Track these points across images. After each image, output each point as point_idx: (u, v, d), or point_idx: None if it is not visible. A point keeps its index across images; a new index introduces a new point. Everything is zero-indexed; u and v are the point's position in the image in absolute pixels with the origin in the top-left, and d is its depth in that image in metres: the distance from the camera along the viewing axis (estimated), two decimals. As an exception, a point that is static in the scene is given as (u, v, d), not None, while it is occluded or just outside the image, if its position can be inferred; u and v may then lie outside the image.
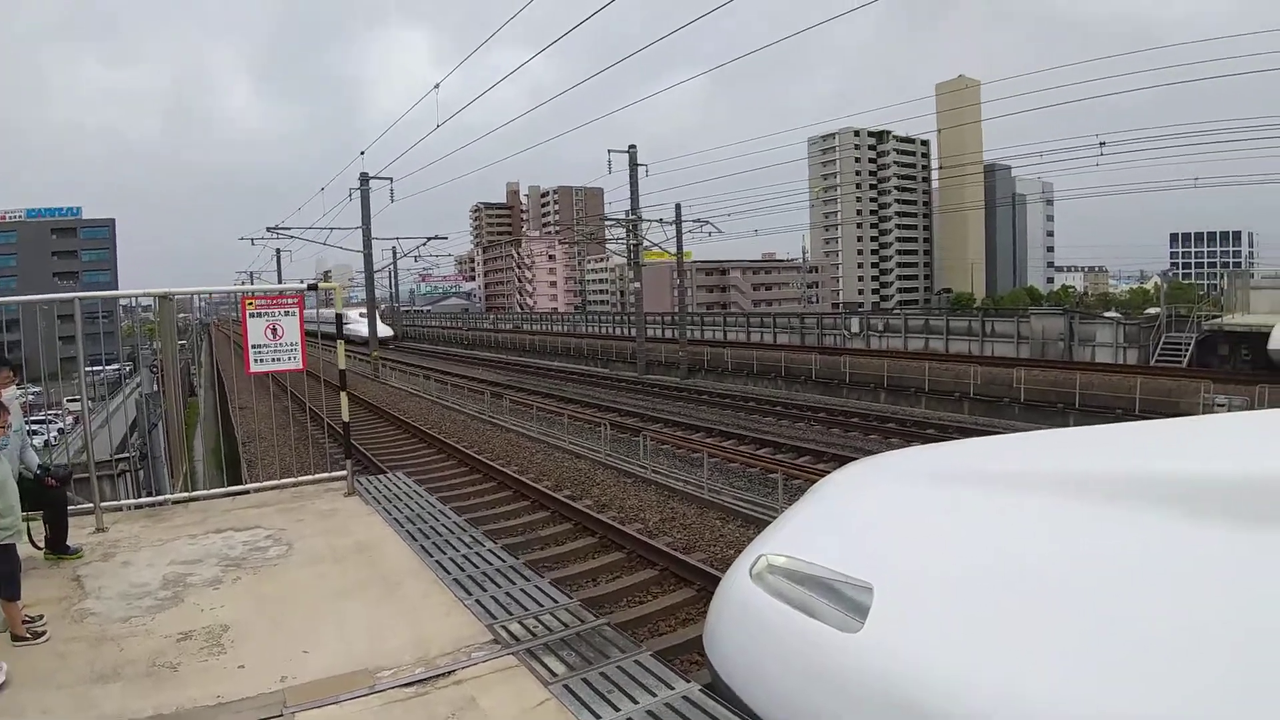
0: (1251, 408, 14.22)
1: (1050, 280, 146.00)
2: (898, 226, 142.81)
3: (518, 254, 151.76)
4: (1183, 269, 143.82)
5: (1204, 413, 15.87)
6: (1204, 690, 1.57)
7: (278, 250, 67.19)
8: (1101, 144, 41.35)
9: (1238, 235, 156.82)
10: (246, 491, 7.61)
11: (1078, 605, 1.83)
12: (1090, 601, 1.83)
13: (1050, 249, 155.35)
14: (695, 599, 8.73)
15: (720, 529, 11.41)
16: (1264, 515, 1.78)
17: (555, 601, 4.69)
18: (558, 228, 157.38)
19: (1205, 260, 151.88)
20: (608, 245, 59.01)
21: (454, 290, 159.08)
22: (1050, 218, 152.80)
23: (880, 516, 2.52)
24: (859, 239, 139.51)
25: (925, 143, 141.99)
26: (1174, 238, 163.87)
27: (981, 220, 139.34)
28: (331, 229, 42.19)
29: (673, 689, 3.43)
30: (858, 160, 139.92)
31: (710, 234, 47.63)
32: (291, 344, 7.16)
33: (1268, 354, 25.30)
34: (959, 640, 1.89)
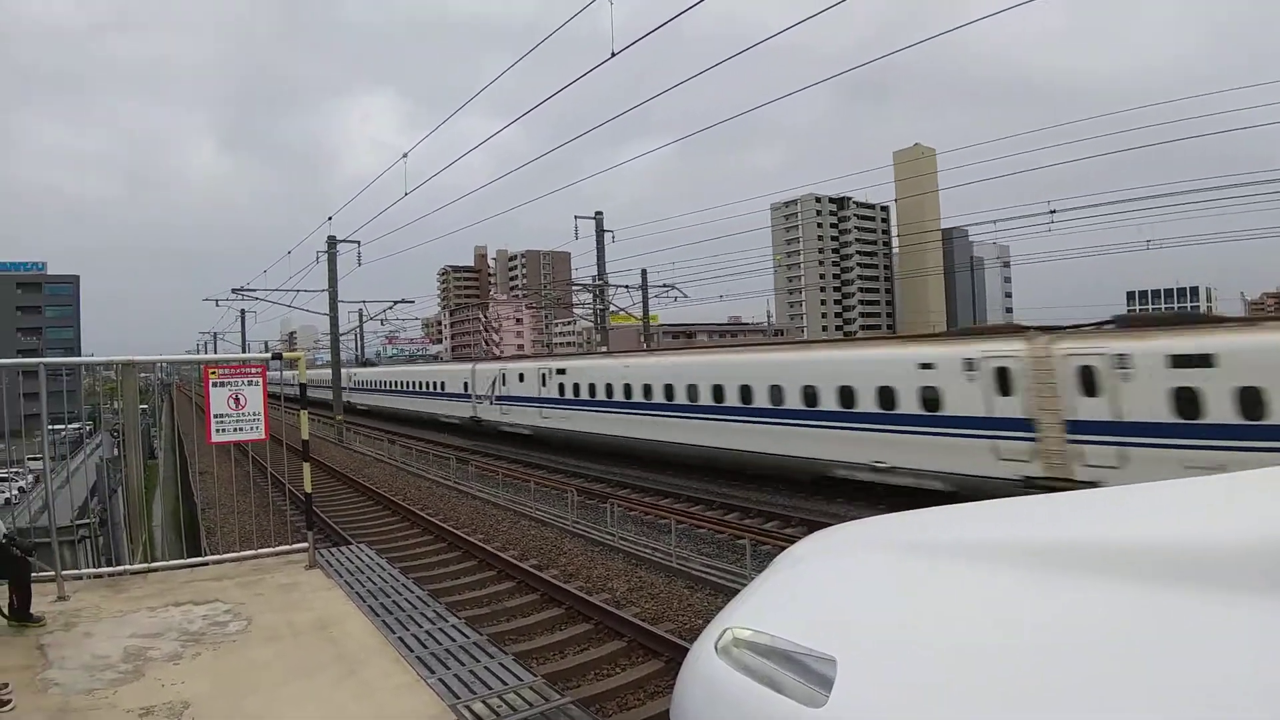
0: None
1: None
2: (860, 290, 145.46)
3: (484, 317, 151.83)
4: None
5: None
6: None
7: (242, 311, 66.68)
8: (1052, 211, 42.64)
9: (1195, 290, 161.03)
10: (205, 563, 7.50)
11: (1043, 680, 1.80)
12: (1059, 676, 1.80)
13: (1009, 310, 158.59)
14: (663, 670, 8.63)
15: (688, 598, 11.32)
16: (1264, 584, 1.76)
17: (519, 679, 4.64)
18: (525, 291, 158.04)
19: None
20: (575, 309, 59.37)
21: (421, 353, 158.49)
22: (1008, 279, 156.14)
23: (845, 586, 2.51)
24: (823, 302, 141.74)
25: (885, 208, 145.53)
26: (1130, 295, 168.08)
27: (941, 283, 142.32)
28: (297, 291, 42.32)
29: (638, 770, 3.38)
30: (819, 226, 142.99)
31: (676, 298, 48.29)
32: (254, 413, 7.11)
33: None
34: (924, 714, 1.86)
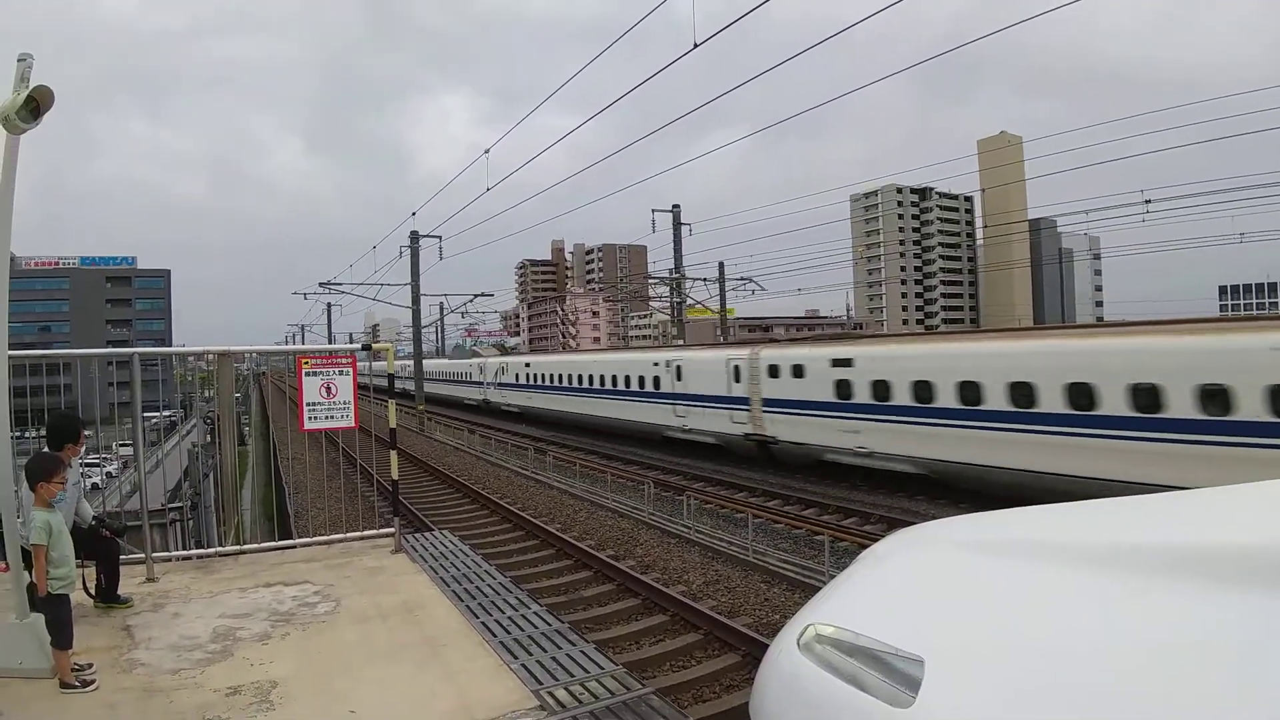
0: None
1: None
2: (943, 283, 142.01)
3: (562, 310, 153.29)
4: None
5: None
6: None
7: (329, 305, 68.65)
8: (1148, 201, 40.93)
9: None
10: (294, 546, 7.70)
11: (1131, 685, 1.77)
12: (1145, 683, 1.77)
13: (1099, 303, 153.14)
14: (740, 665, 8.58)
15: (765, 592, 11.24)
16: None
17: (601, 668, 4.66)
18: (602, 285, 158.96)
19: (1255, 312, 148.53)
20: (651, 302, 59.42)
21: (499, 342, 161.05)
22: (1098, 272, 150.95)
23: (931, 586, 2.47)
24: (903, 295, 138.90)
25: (969, 199, 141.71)
26: (1222, 290, 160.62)
27: (1028, 275, 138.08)
28: (382, 285, 43.29)
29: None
30: (900, 217, 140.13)
31: (754, 291, 47.93)
32: (345, 402, 7.30)
33: None
34: (1010, 715, 1.84)
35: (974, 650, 2.06)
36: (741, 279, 45.52)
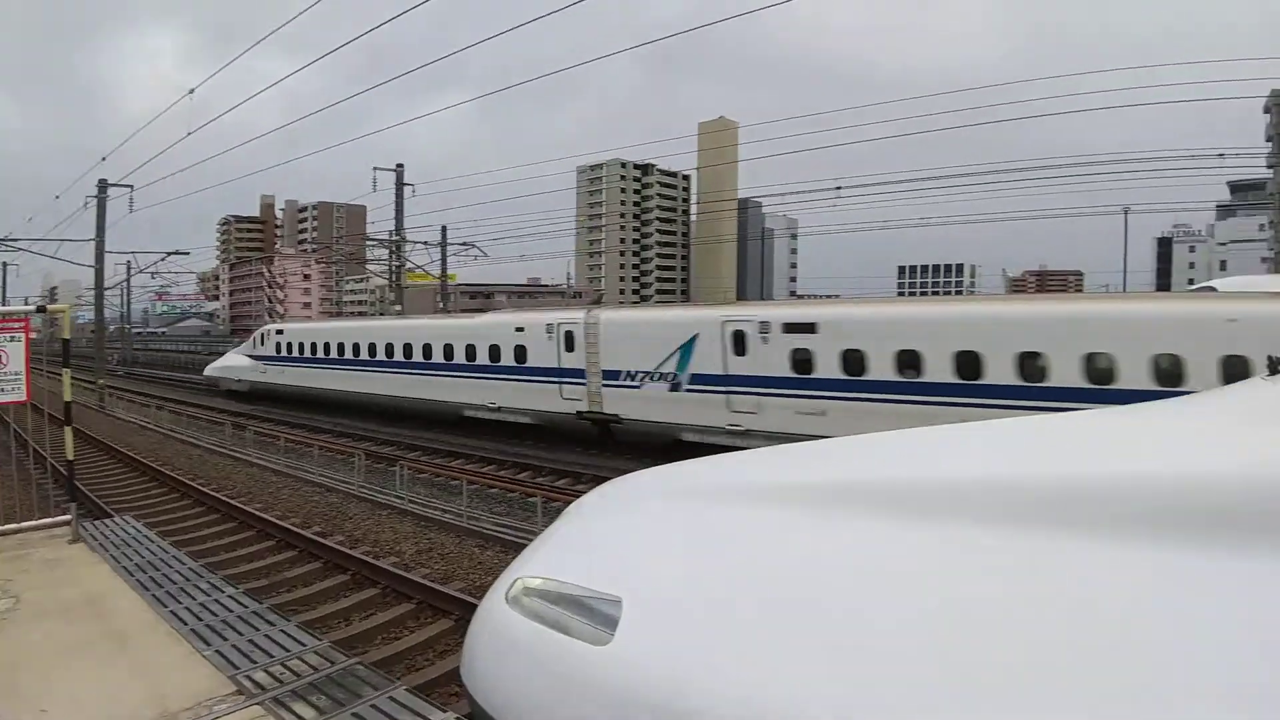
0: None
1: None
2: (659, 255, 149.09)
3: (269, 271, 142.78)
4: (909, 296, 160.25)
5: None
6: (934, 680, 1.73)
7: (3, 264, 59.34)
8: (838, 188, 45.63)
9: (960, 267, 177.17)
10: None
11: (814, 610, 1.98)
12: (825, 605, 1.99)
13: (793, 278, 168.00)
14: (453, 629, 8.78)
15: (479, 556, 11.52)
16: (990, 517, 2.03)
17: (303, 645, 4.71)
18: (316, 245, 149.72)
19: (930, 289, 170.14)
20: (369, 266, 57.17)
21: (194, 310, 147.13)
22: (794, 250, 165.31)
23: (630, 533, 2.62)
24: (621, 266, 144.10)
25: (687, 177, 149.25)
26: (901, 269, 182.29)
27: (734, 251, 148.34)
28: (62, 241, 38.01)
29: (428, 722, 3.59)
30: (623, 191, 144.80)
31: (476, 257, 47.53)
32: (15, 373, 6.57)
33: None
34: (703, 645, 2.00)
35: (666, 586, 2.25)
36: (464, 244, 45.08)
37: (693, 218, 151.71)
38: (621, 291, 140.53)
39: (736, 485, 2.71)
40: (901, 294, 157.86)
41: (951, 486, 2.28)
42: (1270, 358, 2.91)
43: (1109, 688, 1.61)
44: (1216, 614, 1.70)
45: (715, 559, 2.31)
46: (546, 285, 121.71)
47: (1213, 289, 22.99)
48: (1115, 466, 2.29)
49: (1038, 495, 2.10)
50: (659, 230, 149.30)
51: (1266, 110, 76.62)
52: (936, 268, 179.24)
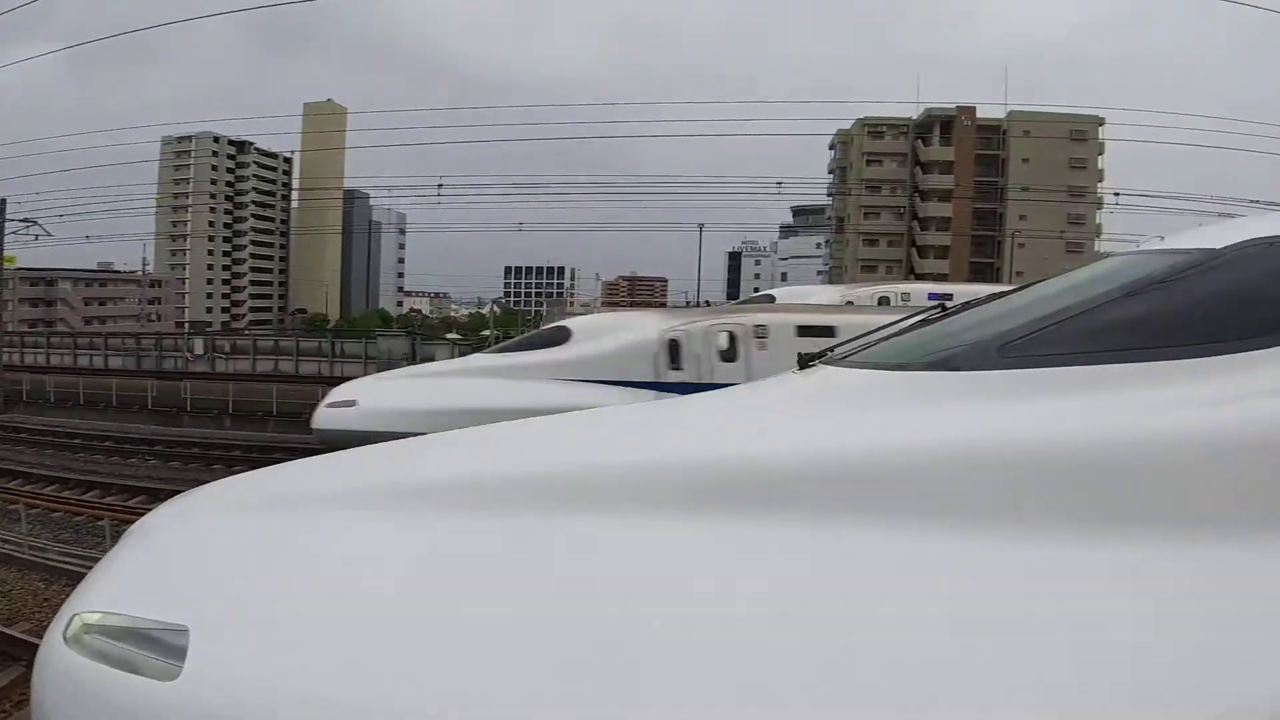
0: None
1: (400, 304, 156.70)
2: (253, 243, 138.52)
3: None
4: (514, 297, 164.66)
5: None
6: (531, 666, 1.79)
7: None
8: (439, 186, 47.07)
9: (561, 270, 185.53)
10: None
11: (395, 613, 1.99)
12: (406, 607, 2.01)
13: (401, 275, 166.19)
14: (27, 675, 8.35)
15: (44, 592, 10.89)
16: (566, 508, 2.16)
17: None
18: None
19: (534, 290, 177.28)
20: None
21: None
22: (402, 245, 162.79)
23: (197, 551, 2.44)
24: (210, 253, 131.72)
25: (289, 160, 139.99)
26: (507, 270, 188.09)
27: (339, 243, 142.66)
28: None
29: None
30: (215, 169, 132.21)
31: (38, 237, 41.66)
32: None
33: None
34: (279, 667, 1.90)
35: (238, 608, 2.10)
36: (23, 221, 39.42)
37: (294, 204, 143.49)
38: (210, 281, 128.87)
39: (314, 491, 2.67)
40: (506, 294, 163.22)
41: (527, 479, 2.41)
42: (800, 354, 3.08)
43: (678, 667, 1.74)
44: (759, 581, 1.93)
45: (290, 572, 2.24)
46: (120, 272, 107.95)
47: (772, 297, 27.24)
48: (675, 452, 2.48)
49: (596, 483, 2.28)
50: (255, 215, 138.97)
51: (831, 147, 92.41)
52: (540, 269, 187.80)
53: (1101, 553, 1.91)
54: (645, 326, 19.55)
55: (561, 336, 19.92)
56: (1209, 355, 2.27)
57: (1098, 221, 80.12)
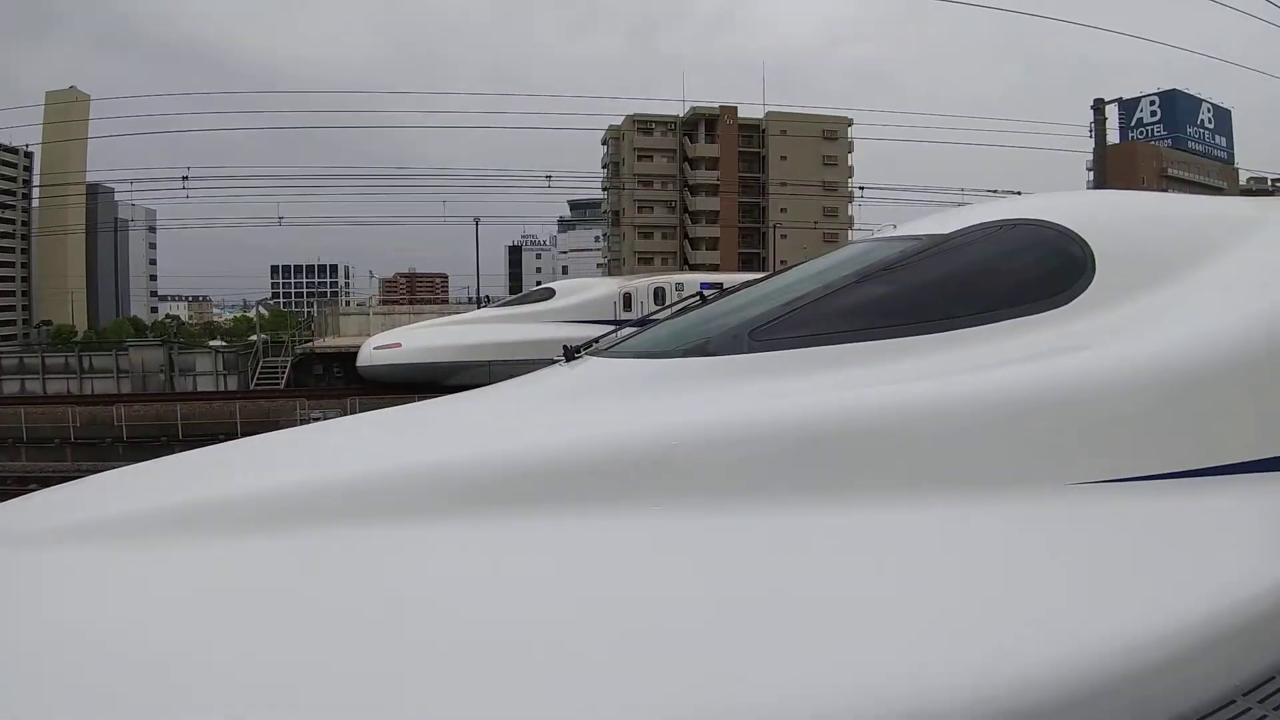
0: (345, 415, 16.19)
1: (155, 310, 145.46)
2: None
3: None
4: (284, 298, 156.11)
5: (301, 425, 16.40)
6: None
7: None
8: (185, 177, 44.48)
9: (334, 268, 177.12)
10: None
11: (153, 652, 1.86)
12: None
13: (154, 277, 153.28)
14: None
15: None
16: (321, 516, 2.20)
17: None
18: None
19: (305, 290, 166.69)
20: None
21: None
22: (153, 245, 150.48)
23: None
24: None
25: (30, 154, 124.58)
26: (275, 269, 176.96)
27: (83, 245, 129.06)
28: None
29: None
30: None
31: None
32: None
33: (358, 370, 29.11)
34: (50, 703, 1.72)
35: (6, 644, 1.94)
36: None
37: (35, 203, 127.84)
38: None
39: (80, 519, 2.51)
40: (276, 295, 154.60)
41: (289, 493, 2.40)
42: (565, 347, 3.19)
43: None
44: (539, 576, 2.04)
45: (60, 605, 2.09)
46: None
47: (552, 290, 31.68)
48: (447, 453, 2.54)
49: (369, 490, 2.34)
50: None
51: (604, 142, 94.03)
52: (311, 268, 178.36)
53: (843, 516, 2.12)
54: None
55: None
56: (939, 332, 2.54)
57: (850, 214, 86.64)
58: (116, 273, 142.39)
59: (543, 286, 35.80)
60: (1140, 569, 2.18)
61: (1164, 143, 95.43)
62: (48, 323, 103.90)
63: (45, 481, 17.13)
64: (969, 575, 2.09)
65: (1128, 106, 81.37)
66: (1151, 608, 1.99)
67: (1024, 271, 2.86)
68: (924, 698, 1.70)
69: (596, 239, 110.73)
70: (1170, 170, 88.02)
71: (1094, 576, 2.15)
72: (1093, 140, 27.33)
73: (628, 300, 28.61)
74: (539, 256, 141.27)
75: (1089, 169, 35.93)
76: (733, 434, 2.34)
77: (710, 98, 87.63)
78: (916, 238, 2.99)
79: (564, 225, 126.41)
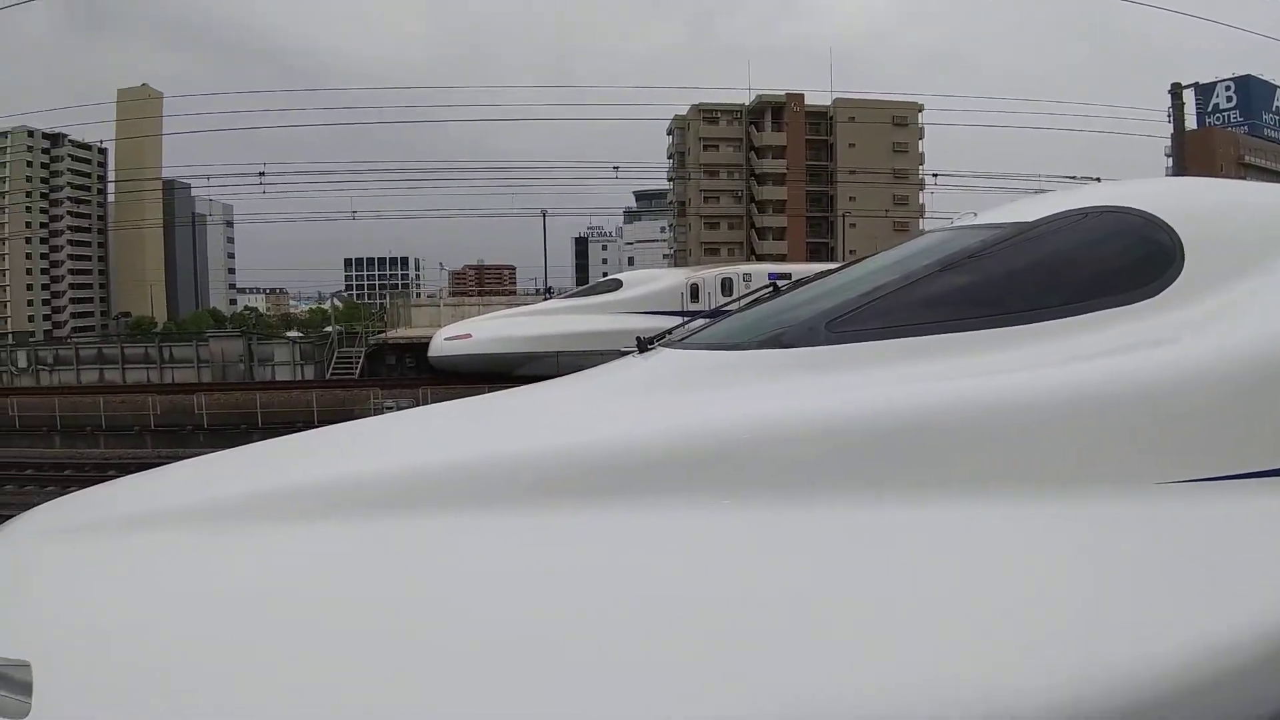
0: (418, 404, 16.43)
1: (233, 302, 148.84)
2: (70, 243, 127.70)
3: None
4: (356, 291, 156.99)
5: (375, 414, 16.73)
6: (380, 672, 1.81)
7: None
8: (262, 173, 45.61)
9: (405, 260, 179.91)
10: None
11: (247, 634, 1.93)
12: (257, 627, 1.96)
13: (232, 270, 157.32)
14: None
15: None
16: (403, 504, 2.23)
17: None
18: None
19: (376, 282, 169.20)
20: None
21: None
22: (231, 239, 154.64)
23: (32, 581, 2.33)
24: (29, 256, 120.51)
25: (104, 151, 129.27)
26: (348, 262, 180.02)
27: (161, 239, 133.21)
28: None
29: None
30: (29, 165, 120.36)
31: None
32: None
33: (429, 360, 29.62)
34: (132, 696, 1.83)
35: (78, 639, 1.99)
36: None
37: (110, 199, 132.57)
38: (30, 286, 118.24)
39: (156, 508, 2.56)
40: (349, 288, 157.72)
41: (375, 480, 2.43)
42: (638, 338, 3.14)
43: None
44: (619, 568, 2.06)
45: (134, 596, 2.13)
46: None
47: (619, 281, 31.96)
48: (523, 444, 2.55)
49: (444, 481, 2.35)
50: (71, 213, 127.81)
51: (669, 132, 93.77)
52: (383, 260, 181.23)
53: (924, 513, 2.10)
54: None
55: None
56: (1023, 324, 2.49)
57: (921, 202, 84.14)
58: (195, 266, 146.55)
59: (610, 278, 35.88)
60: (1231, 570, 2.13)
61: (1239, 129, 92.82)
62: (127, 314, 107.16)
63: (124, 468, 17.37)
64: (1057, 576, 2.08)
65: (1204, 92, 78.46)
66: (1241, 610, 1.96)
67: (1111, 261, 2.77)
68: (1023, 700, 1.74)
69: (662, 230, 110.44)
70: (1247, 157, 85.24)
71: (1184, 577, 2.11)
72: (1170, 125, 26.51)
73: (695, 291, 28.38)
74: (605, 248, 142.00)
75: (1167, 155, 34.65)
76: (812, 427, 2.31)
77: (776, 85, 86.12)
78: (999, 226, 2.92)
79: (629, 216, 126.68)
